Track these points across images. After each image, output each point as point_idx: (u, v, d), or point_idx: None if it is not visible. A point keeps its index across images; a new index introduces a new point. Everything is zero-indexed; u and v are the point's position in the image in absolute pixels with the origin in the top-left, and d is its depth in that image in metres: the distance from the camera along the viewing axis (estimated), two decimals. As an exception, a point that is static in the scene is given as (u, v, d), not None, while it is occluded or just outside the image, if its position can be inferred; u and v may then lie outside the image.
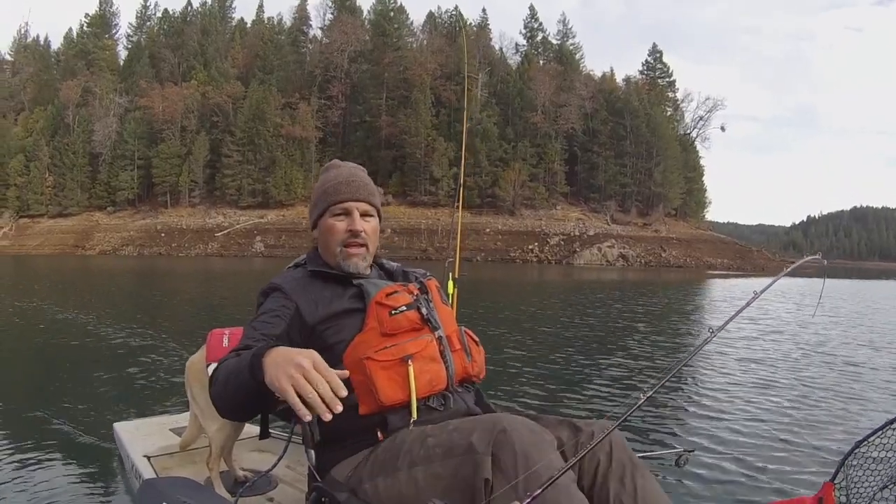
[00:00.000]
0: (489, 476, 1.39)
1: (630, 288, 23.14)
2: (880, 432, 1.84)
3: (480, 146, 63.15)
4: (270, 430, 1.93)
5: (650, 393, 1.58)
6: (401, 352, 1.70)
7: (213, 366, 1.66)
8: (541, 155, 67.26)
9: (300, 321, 1.75)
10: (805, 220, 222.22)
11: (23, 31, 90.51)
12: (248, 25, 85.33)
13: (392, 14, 77.66)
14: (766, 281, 2.03)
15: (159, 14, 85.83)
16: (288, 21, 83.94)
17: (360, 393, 1.68)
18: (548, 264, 53.41)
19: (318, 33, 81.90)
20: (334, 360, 1.67)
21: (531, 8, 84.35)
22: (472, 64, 68.63)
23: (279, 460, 1.78)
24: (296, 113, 68.43)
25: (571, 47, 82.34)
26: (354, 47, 73.83)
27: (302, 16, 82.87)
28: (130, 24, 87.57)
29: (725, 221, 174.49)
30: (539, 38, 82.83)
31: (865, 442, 1.86)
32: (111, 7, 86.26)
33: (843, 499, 1.83)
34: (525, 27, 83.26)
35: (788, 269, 1.99)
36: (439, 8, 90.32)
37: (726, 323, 1.81)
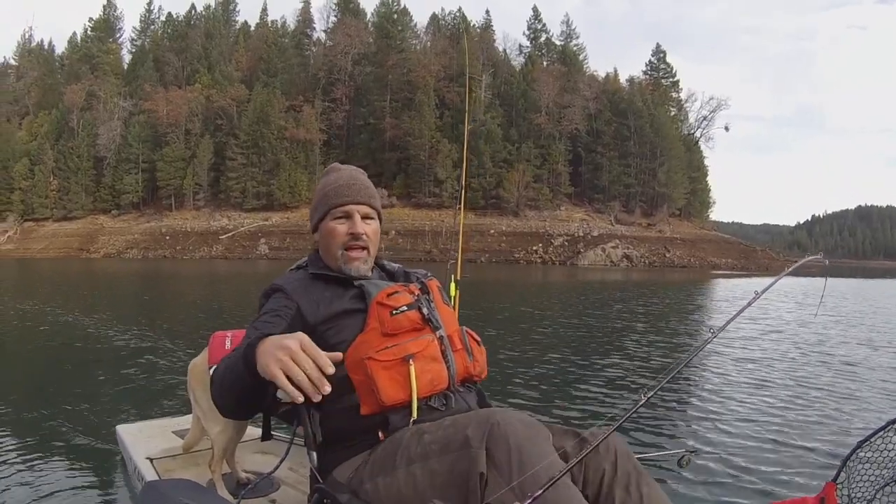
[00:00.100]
0: (483, 470, 1.39)
1: (633, 288, 23.10)
2: (882, 433, 1.84)
3: (484, 147, 63.19)
4: (273, 432, 1.94)
5: (651, 394, 1.58)
6: (402, 351, 1.70)
7: (215, 368, 1.68)
8: (545, 156, 67.24)
9: (301, 321, 1.75)
10: (810, 219, 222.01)
11: (27, 36, 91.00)
12: (252, 29, 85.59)
13: (395, 16, 77.73)
14: (768, 281, 2.03)
15: (163, 18, 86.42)
16: (291, 24, 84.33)
17: (361, 393, 1.68)
18: (552, 265, 53.36)
19: (322, 36, 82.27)
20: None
21: (534, 9, 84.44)
22: (476, 66, 68.69)
23: (281, 462, 1.78)
24: (300, 115, 68.61)
25: (575, 48, 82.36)
26: (358, 50, 73.90)
27: (305, 18, 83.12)
28: (134, 27, 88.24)
29: (730, 221, 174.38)
30: (542, 39, 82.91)
31: (867, 442, 1.86)
32: (115, 11, 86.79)
33: (845, 499, 1.82)
34: (528, 28, 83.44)
35: (789, 269, 1.99)
36: (443, 10, 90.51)
37: (727, 323, 1.81)
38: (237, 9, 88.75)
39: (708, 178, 79.58)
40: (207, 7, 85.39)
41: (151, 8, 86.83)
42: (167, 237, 62.78)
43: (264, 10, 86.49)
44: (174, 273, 31.12)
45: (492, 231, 59.61)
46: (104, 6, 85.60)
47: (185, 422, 3.22)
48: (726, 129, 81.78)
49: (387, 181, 64.50)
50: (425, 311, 1.81)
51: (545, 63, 78.78)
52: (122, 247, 61.65)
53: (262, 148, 66.63)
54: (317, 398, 1.37)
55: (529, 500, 1.31)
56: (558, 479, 1.33)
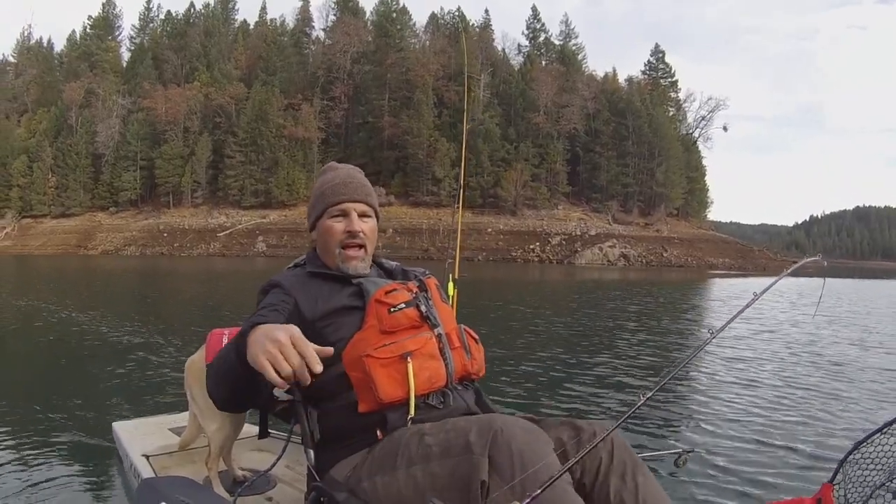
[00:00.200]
0: (485, 478, 1.40)
1: (630, 288, 23.09)
2: (879, 434, 1.84)
3: (482, 147, 63.18)
4: (269, 430, 1.93)
5: (650, 394, 1.58)
6: (400, 349, 1.70)
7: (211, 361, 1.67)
8: (543, 155, 67.25)
9: (299, 316, 1.74)
10: (808, 219, 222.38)
11: (26, 34, 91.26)
12: (251, 27, 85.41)
13: (395, 15, 77.69)
14: (766, 281, 2.03)
15: (162, 16, 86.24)
16: (291, 22, 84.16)
17: (359, 390, 1.68)
18: (549, 264, 53.35)
19: (321, 34, 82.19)
20: (334, 358, 1.67)
21: (533, 8, 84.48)
22: (475, 65, 68.67)
23: (278, 460, 1.78)
24: (298, 114, 68.56)
25: (574, 48, 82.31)
26: (357, 48, 73.89)
27: (305, 17, 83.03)
28: (133, 25, 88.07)
29: (728, 221, 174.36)
30: (541, 38, 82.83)
31: (864, 443, 1.86)
32: (114, 9, 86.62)
33: (842, 500, 1.83)
34: (527, 28, 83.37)
35: (789, 271, 1.98)
36: (442, 9, 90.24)
37: (726, 324, 1.81)
38: (236, 7, 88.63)
39: (706, 178, 79.64)
40: (206, 5, 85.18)
41: (150, 6, 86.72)
42: (165, 234, 62.72)
43: (263, 8, 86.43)
44: (172, 270, 31.09)
45: (489, 230, 59.62)
46: (103, 4, 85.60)
47: (181, 419, 3.21)
48: (724, 129, 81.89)
49: (385, 180, 64.50)
50: (423, 308, 1.81)
51: (544, 62, 78.72)
52: (119, 244, 61.56)
53: (260, 146, 66.58)
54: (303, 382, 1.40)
55: (528, 500, 1.31)
56: (557, 478, 1.34)
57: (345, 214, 1.91)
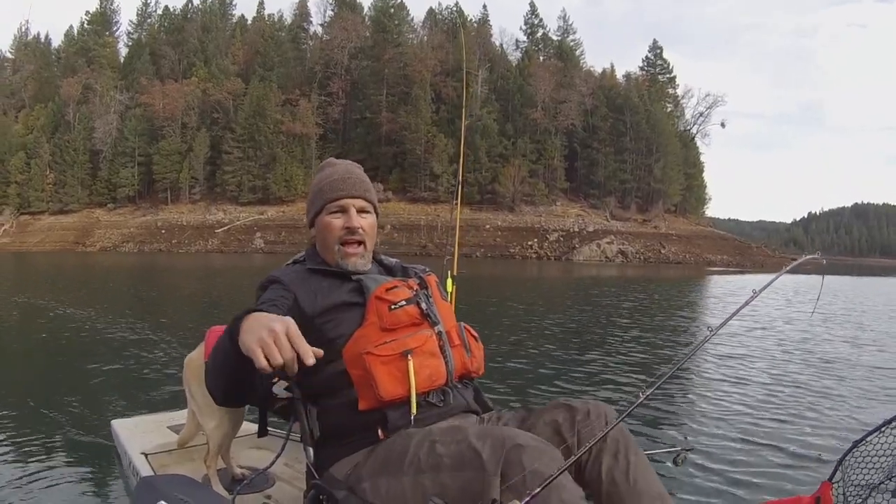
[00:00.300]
0: (497, 496, 1.39)
1: (628, 284, 23.10)
2: (878, 432, 1.84)
3: (480, 142, 63.14)
4: (269, 428, 1.93)
5: (649, 392, 1.58)
6: (400, 346, 1.70)
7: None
8: (540, 151, 67.23)
9: (299, 311, 1.73)
10: (806, 216, 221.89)
11: (23, 29, 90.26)
12: (249, 22, 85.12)
13: (392, 10, 77.50)
14: (763, 278, 2.02)
15: (160, 11, 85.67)
16: (288, 18, 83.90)
17: (359, 388, 1.68)
18: (547, 260, 53.40)
19: (319, 30, 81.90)
20: (334, 355, 1.68)
21: (531, 4, 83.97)
22: (472, 60, 68.49)
23: (277, 458, 1.78)
24: (296, 109, 68.42)
25: (572, 44, 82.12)
26: (355, 44, 73.74)
27: (302, 12, 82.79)
28: (131, 21, 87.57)
29: (727, 218, 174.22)
30: (539, 34, 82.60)
31: (863, 442, 1.87)
32: (112, 4, 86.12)
33: (840, 498, 1.83)
34: (525, 23, 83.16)
35: (789, 268, 1.98)
36: (440, 4, 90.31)
37: (725, 322, 1.80)
38: (234, 2, 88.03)
39: (704, 175, 79.56)
40: (204, 0, 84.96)
41: (148, 1, 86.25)
42: (163, 231, 62.64)
43: (261, 3, 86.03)
44: (170, 267, 31.06)
45: (487, 226, 59.64)
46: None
47: (180, 417, 3.20)
48: (722, 125, 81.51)
49: (383, 175, 64.39)
50: (424, 306, 1.81)
51: (542, 58, 78.58)
52: (117, 240, 61.45)
53: (258, 142, 66.44)
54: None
55: (528, 499, 1.31)
56: (556, 477, 1.34)
57: (343, 210, 1.90)
